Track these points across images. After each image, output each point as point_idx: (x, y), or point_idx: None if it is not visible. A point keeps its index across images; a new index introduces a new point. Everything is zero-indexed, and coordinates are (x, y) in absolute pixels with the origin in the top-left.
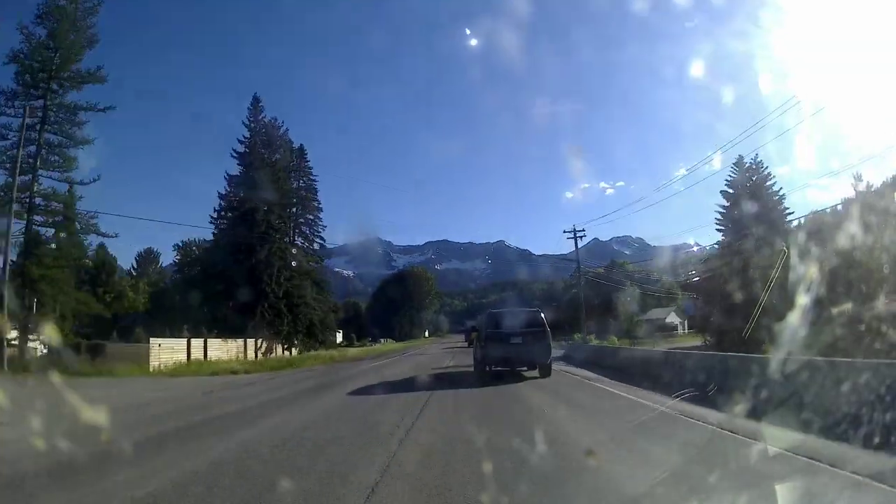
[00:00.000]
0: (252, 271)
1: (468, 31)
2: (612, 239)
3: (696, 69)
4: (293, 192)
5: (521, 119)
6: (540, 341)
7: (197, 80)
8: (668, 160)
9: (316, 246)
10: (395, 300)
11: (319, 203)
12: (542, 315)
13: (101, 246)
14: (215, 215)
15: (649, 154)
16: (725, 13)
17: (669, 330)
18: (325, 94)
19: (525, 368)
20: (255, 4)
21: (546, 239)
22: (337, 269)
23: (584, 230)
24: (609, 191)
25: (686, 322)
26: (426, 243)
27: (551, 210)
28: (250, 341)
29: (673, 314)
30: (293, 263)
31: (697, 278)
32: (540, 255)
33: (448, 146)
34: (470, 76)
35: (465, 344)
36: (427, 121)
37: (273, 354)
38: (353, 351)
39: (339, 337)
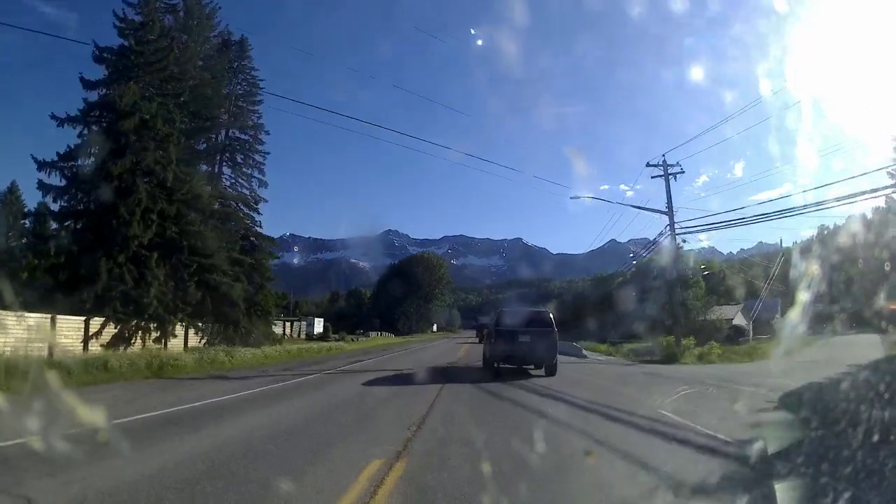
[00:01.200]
0: (103, 202)
1: (475, 37)
2: (629, 241)
3: (707, 73)
4: (212, 90)
5: (544, 123)
6: (547, 340)
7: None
8: (689, 166)
9: (255, 183)
10: (401, 289)
11: (260, 117)
12: (551, 315)
13: (43, 204)
14: (77, 113)
15: (670, 157)
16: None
17: (740, 334)
18: (336, 96)
19: (532, 367)
20: (260, 12)
21: (564, 238)
22: (353, 261)
23: (677, 164)
24: (629, 193)
25: (752, 325)
26: (443, 237)
27: (570, 210)
28: (76, 320)
29: (740, 315)
30: (188, 194)
31: None
32: (556, 254)
33: (470, 142)
34: (497, 82)
35: (476, 340)
36: (451, 123)
37: (134, 346)
38: (247, 357)
39: (318, 327)
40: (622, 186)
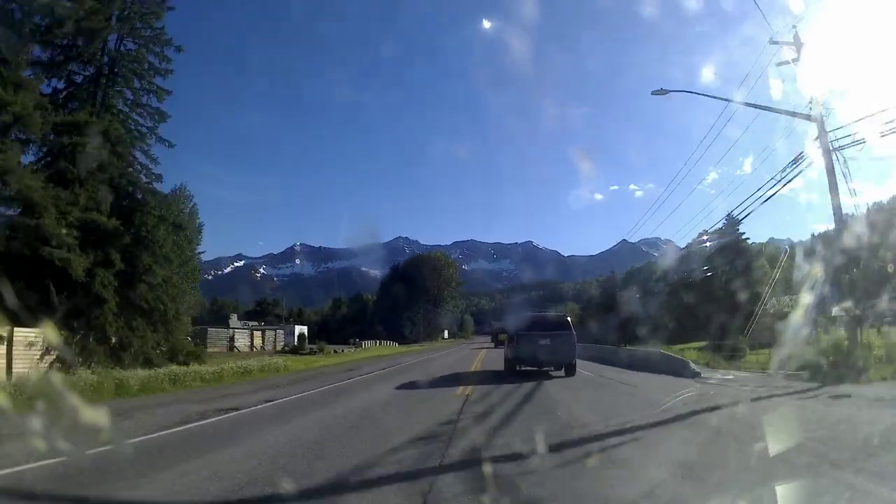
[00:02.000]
0: None
1: (485, 24)
2: (640, 241)
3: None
4: None
5: (552, 123)
6: (566, 343)
7: (205, 87)
8: (698, 164)
9: (153, 104)
10: (406, 293)
11: (160, 18)
12: (568, 318)
13: None
14: None
15: (679, 158)
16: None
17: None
18: (343, 101)
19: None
20: (264, 13)
21: (574, 239)
22: (364, 269)
23: None
24: (638, 193)
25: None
26: (453, 243)
27: (580, 211)
28: None
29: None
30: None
31: None
32: (568, 256)
33: (479, 147)
34: (504, 82)
35: (492, 345)
36: (457, 122)
37: None
38: None
39: (285, 337)
40: (632, 186)
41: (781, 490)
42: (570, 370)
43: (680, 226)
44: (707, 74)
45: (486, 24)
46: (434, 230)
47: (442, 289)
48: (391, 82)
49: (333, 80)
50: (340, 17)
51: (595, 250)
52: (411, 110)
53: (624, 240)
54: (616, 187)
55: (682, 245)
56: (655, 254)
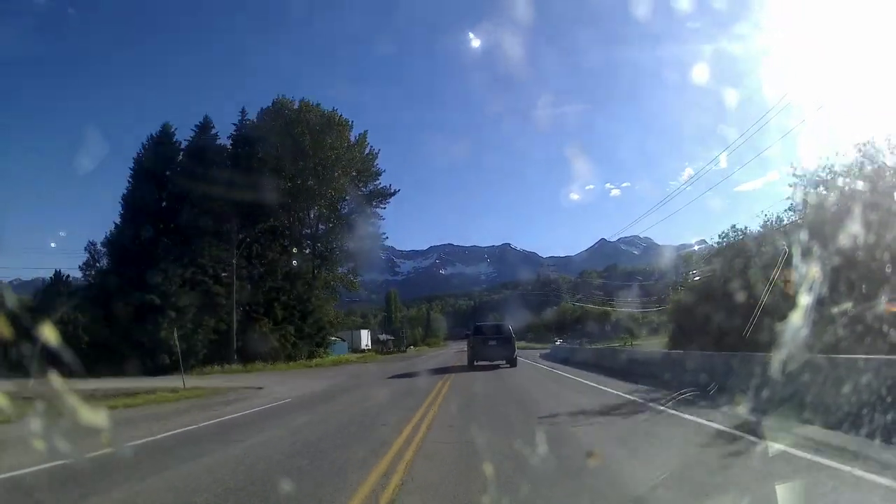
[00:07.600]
0: None
1: (472, 35)
2: (619, 240)
3: (699, 72)
4: None
5: (524, 122)
6: (508, 344)
7: (202, 85)
8: (672, 162)
9: None
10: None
11: None
12: (510, 327)
13: None
14: None
15: (654, 156)
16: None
17: None
18: (329, 97)
19: (501, 362)
20: (260, 11)
21: (552, 240)
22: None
23: None
24: (614, 191)
25: None
26: (430, 248)
27: (557, 212)
28: None
29: None
30: None
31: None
32: (547, 258)
33: (452, 149)
34: (473, 79)
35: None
36: (429, 124)
37: None
38: None
39: None
40: (607, 185)
41: (781, 490)
42: (513, 363)
43: (655, 222)
44: (699, 72)
45: (480, 25)
46: (410, 236)
47: (319, 194)
48: (385, 78)
49: (329, 75)
50: (335, 15)
51: (574, 250)
52: (391, 115)
53: (603, 239)
54: (591, 186)
55: (660, 242)
56: (635, 252)
